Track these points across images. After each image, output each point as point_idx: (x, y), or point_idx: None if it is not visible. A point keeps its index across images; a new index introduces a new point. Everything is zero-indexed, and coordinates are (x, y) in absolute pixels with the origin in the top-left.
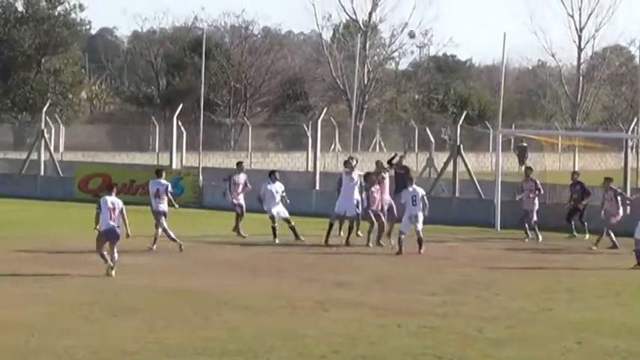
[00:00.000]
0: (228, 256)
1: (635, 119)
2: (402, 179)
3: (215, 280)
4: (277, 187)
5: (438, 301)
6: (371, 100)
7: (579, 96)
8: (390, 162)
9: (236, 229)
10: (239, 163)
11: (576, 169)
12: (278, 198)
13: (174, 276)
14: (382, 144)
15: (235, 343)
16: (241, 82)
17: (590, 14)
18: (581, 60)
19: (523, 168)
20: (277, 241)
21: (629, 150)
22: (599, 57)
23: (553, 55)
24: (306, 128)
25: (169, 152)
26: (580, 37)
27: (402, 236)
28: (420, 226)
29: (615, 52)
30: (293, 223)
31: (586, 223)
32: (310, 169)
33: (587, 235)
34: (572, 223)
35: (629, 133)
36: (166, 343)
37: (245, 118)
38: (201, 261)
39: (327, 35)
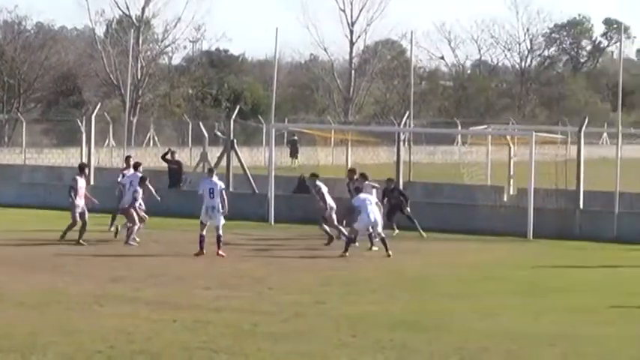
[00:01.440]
0: (3, 252)
1: (407, 113)
2: (175, 173)
3: None
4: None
5: (213, 295)
6: (145, 95)
7: (352, 90)
8: (164, 157)
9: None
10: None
11: (349, 163)
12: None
13: None
14: (156, 139)
15: (9, 340)
16: (15, 78)
17: (362, 8)
18: (353, 54)
19: (293, 160)
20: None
21: (401, 143)
22: (371, 51)
23: (325, 50)
24: (80, 123)
25: None
26: (352, 32)
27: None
28: (220, 221)
29: (387, 46)
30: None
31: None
32: None
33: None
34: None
35: (402, 126)
36: None
37: (19, 114)
38: None
39: (100, 30)
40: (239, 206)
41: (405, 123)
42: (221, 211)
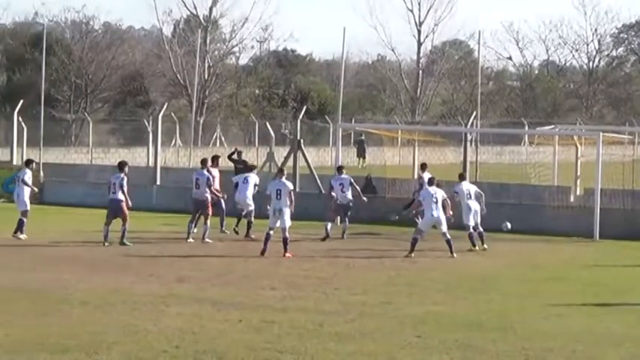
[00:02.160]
0: (68, 252)
1: (474, 113)
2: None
3: (54, 275)
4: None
5: (279, 295)
6: (211, 95)
7: (419, 90)
8: (230, 157)
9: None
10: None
11: (416, 163)
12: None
13: (12, 272)
14: (223, 139)
15: (76, 339)
16: (82, 78)
17: (430, 9)
18: (421, 54)
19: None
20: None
21: (467, 144)
22: (439, 51)
23: (393, 50)
24: (146, 123)
25: (10, 148)
26: (419, 32)
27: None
28: (287, 223)
29: (454, 46)
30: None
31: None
32: (151, 164)
33: None
34: None
35: (468, 126)
36: (6, 339)
37: (86, 114)
38: (40, 257)
39: (167, 30)
40: (305, 206)
41: (472, 123)
42: (288, 213)
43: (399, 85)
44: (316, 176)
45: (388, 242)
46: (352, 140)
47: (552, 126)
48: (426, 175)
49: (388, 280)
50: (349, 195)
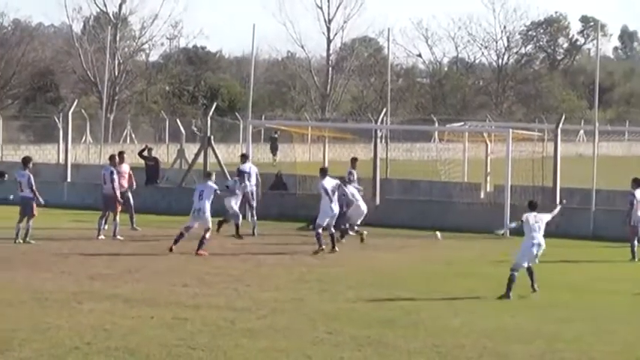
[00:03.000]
0: None
1: (384, 110)
2: (152, 170)
3: None
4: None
5: (190, 292)
6: (121, 91)
7: (329, 87)
8: (140, 153)
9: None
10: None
11: (326, 160)
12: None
13: None
14: (133, 135)
15: None
16: None
17: (339, 5)
18: (330, 51)
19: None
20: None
21: (377, 140)
22: (348, 48)
23: (302, 47)
24: (57, 120)
25: None
26: (329, 29)
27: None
28: (209, 223)
29: (364, 43)
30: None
31: None
32: (62, 161)
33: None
34: None
35: (378, 123)
36: None
37: None
38: None
39: (77, 27)
40: (215, 203)
41: (382, 120)
42: (209, 214)
43: (309, 82)
44: (227, 173)
45: (298, 239)
46: (262, 137)
47: (462, 123)
48: (355, 172)
49: (299, 277)
50: (248, 185)
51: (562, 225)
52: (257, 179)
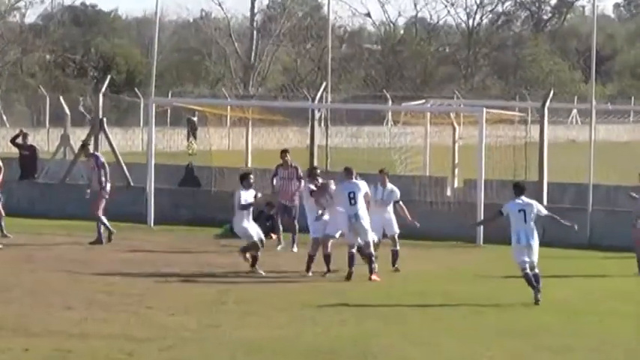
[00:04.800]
0: None
1: (324, 84)
2: (28, 161)
3: None
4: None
5: (76, 316)
6: None
7: (253, 55)
8: (13, 141)
9: None
10: None
11: (249, 147)
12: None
13: None
14: (4, 118)
15: None
16: None
17: None
18: (256, 10)
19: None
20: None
21: (315, 123)
22: (278, 6)
23: (220, 4)
24: None
25: None
26: None
27: None
28: None
29: (298, 0)
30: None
31: None
32: None
33: None
34: None
35: (316, 101)
36: None
37: None
38: None
39: None
40: (110, 203)
41: (321, 97)
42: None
43: (228, 49)
44: (123, 165)
45: (215, 248)
46: (169, 119)
47: (423, 100)
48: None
49: (217, 297)
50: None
51: (551, 230)
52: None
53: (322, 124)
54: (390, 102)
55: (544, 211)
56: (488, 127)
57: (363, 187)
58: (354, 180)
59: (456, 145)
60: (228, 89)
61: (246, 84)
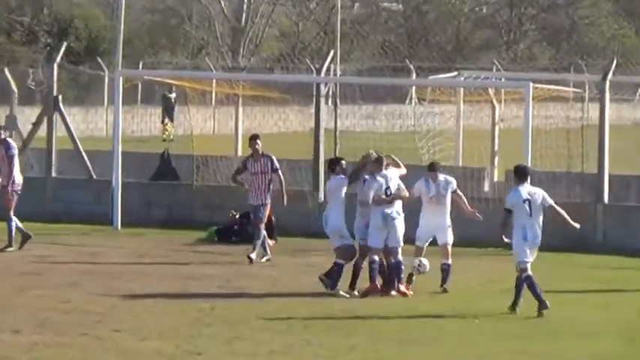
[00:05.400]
0: None
1: (331, 53)
2: None
3: None
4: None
5: (25, 341)
6: None
7: (245, 17)
8: None
9: None
10: None
11: (240, 131)
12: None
13: None
14: None
15: None
16: None
17: None
18: None
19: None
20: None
21: (322, 101)
22: None
23: None
24: None
25: None
26: None
27: None
28: None
29: None
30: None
31: None
32: None
33: None
34: None
35: (322, 74)
36: None
37: None
38: None
39: None
40: (66, 200)
41: (329, 69)
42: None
43: (214, 10)
44: (83, 153)
45: (197, 257)
46: (139, 96)
47: (455, 73)
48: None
49: (198, 317)
50: None
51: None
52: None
53: (330, 102)
54: (415, 75)
55: (550, 201)
56: (536, 106)
57: (395, 177)
58: (383, 171)
59: (496, 128)
60: (214, 59)
61: (236, 53)
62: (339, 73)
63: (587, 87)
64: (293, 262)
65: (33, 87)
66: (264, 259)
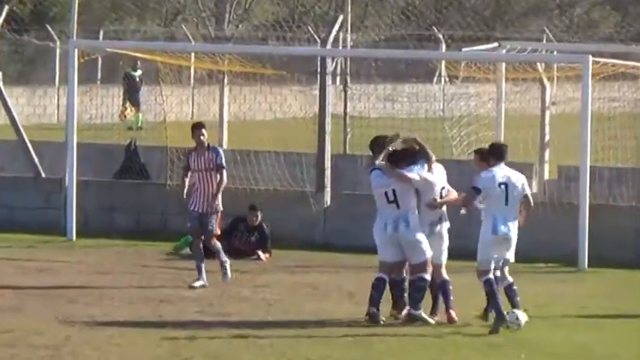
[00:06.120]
0: None
1: (339, 18)
2: None
3: None
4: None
5: None
6: None
7: None
8: None
9: None
10: None
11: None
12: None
13: None
14: None
15: None
16: None
17: None
18: None
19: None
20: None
21: (328, 80)
22: None
23: None
24: None
25: None
26: None
27: None
28: None
29: None
30: None
31: None
32: None
33: None
34: None
35: (328, 45)
36: None
37: None
38: None
39: None
40: (7, 204)
41: (336, 39)
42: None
43: None
44: (29, 145)
45: (169, 273)
46: (99, 73)
47: (495, 44)
48: None
49: (172, 351)
50: None
51: None
52: None
53: (338, 80)
54: (444, 46)
55: (527, 190)
56: (597, 86)
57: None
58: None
59: (547, 113)
60: (192, 27)
61: (220, 19)
62: (349, 44)
63: None
64: (292, 281)
65: None
66: (197, 284)
